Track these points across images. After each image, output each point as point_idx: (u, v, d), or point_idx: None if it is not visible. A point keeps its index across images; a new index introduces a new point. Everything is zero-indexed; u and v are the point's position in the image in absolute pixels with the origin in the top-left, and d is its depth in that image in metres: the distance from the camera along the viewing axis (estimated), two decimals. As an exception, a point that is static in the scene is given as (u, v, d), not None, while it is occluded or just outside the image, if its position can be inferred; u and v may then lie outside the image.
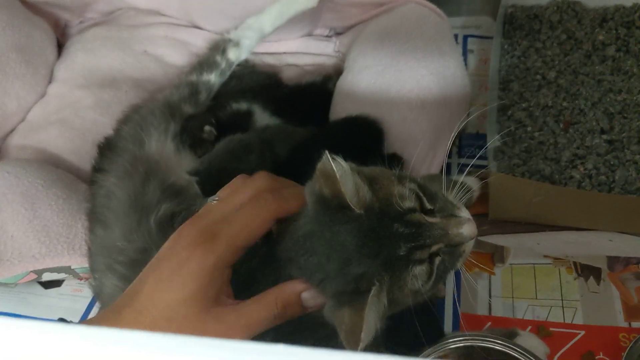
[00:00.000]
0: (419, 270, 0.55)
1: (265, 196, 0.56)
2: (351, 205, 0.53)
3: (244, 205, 0.55)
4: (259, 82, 0.98)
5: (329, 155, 0.54)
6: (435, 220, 0.56)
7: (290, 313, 0.55)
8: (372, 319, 0.51)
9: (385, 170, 0.61)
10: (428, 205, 0.58)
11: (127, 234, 0.69)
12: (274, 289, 0.55)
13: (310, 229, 0.56)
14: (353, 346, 0.50)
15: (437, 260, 0.56)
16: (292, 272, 0.57)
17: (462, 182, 0.66)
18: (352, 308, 0.51)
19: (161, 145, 0.80)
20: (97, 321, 0.55)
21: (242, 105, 0.92)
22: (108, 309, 0.54)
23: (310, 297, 0.55)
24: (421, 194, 0.58)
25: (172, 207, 0.69)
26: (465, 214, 0.59)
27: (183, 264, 0.51)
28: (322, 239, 0.55)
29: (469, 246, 0.59)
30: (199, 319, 0.51)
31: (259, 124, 0.89)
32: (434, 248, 0.56)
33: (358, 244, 0.54)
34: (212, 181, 0.74)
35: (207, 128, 0.84)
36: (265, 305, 0.53)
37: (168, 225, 0.66)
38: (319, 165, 0.55)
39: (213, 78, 0.93)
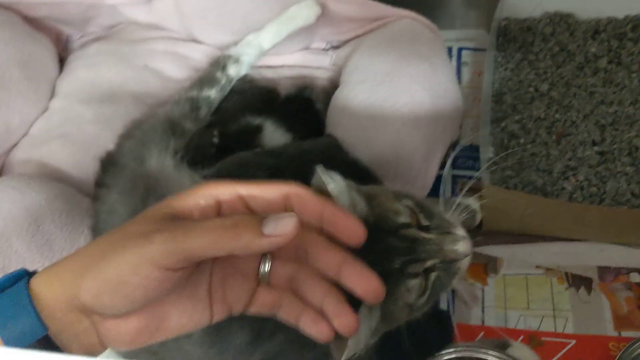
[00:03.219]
0: (413, 284, 0.55)
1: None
2: None
3: None
4: (260, 97, 1.00)
5: (321, 171, 0.54)
6: (430, 236, 0.57)
7: (247, 235, 0.43)
8: (362, 329, 0.51)
9: (384, 188, 0.62)
10: (424, 222, 0.59)
11: None
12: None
13: None
14: (338, 354, 0.49)
15: (433, 276, 0.57)
16: None
17: (464, 204, 0.67)
18: None
19: (161, 162, 0.81)
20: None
21: (255, 120, 0.94)
22: None
23: (273, 219, 0.43)
24: (417, 210, 0.59)
25: None
26: (461, 232, 0.60)
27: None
28: None
29: (464, 264, 0.60)
30: (148, 224, 0.44)
31: (267, 140, 0.91)
32: (429, 263, 0.56)
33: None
34: None
35: (214, 140, 0.86)
36: (219, 221, 0.44)
37: None
38: (313, 181, 0.56)
39: (213, 94, 0.95)
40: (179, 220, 0.45)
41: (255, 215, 0.46)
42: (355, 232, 0.48)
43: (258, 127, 0.92)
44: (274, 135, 0.92)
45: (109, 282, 0.43)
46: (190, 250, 0.42)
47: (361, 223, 0.48)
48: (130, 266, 0.42)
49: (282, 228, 0.43)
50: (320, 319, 0.48)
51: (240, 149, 0.85)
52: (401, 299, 0.56)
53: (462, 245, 0.57)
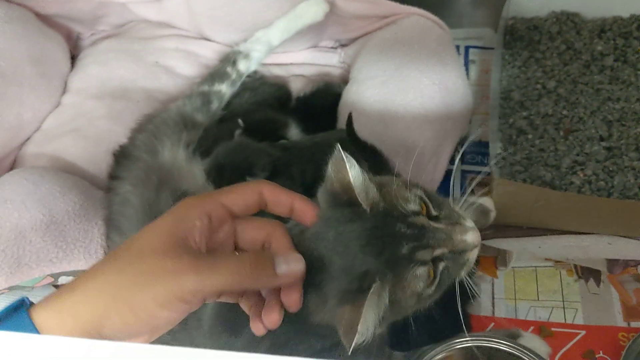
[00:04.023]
0: (421, 271, 0.56)
1: (258, 179, 0.57)
2: (359, 201, 0.55)
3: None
4: (271, 94, 1.01)
5: (341, 150, 0.55)
6: (439, 226, 0.58)
7: (265, 277, 0.51)
8: (370, 315, 0.51)
9: (396, 178, 0.63)
10: (433, 212, 0.59)
11: None
12: (253, 252, 0.54)
13: (316, 230, 0.57)
14: (349, 341, 0.50)
15: (441, 265, 0.57)
16: None
17: (478, 203, 0.67)
18: (352, 305, 0.52)
19: (174, 154, 0.83)
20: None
21: (278, 115, 0.95)
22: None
23: (283, 261, 0.52)
24: (427, 200, 0.59)
25: None
26: (470, 223, 0.60)
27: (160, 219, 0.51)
28: (326, 240, 0.56)
29: (472, 255, 0.60)
30: (173, 262, 0.47)
31: (290, 135, 0.92)
32: (438, 252, 0.57)
33: (362, 242, 0.55)
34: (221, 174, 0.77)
35: (237, 132, 0.87)
36: (240, 262, 0.50)
37: None
38: (331, 161, 0.57)
39: (224, 88, 0.96)
40: (197, 254, 0.49)
41: (265, 254, 0.53)
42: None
43: (284, 122, 0.93)
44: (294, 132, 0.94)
45: (139, 318, 0.46)
46: (216, 290, 0.48)
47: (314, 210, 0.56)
48: (159, 302, 0.46)
49: (294, 269, 0.52)
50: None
51: (263, 139, 0.87)
52: (409, 286, 0.56)
53: (471, 236, 0.58)
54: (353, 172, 0.55)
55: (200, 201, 0.52)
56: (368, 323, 0.51)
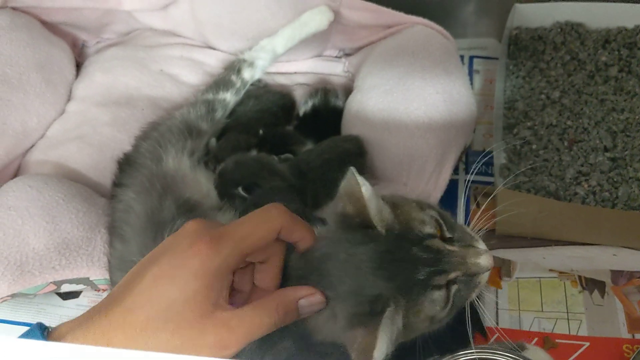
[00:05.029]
0: (437, 295, 0.56)
1: (272, 208, 0.56)
2: (374, 223, 0.55)
3: (252, 214, 0.56)
4: (275, 102, 1.01)
5: (355, 173, 0.56)
6: (454, 249, 0.57)
7: (289, 319, 0.54)
8: (385, 339, 0.51)
9: (406, 197, 0.63)
10: (447, 234, 0.59)
11: (143, 249, 0.70)
12: (275, 294, 0.55)
13: (325, 250, 0.57)
14: None
15: (454, 288, 0.57)
16: None
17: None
18: (365, 328, 0.52)
19: (178, 162, 0.82)
20: (79, 324, 0.51)
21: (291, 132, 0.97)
22: (94, 307, 0.51)
23: (307, 304, 0.55)
24: (441, 222, 0.59)
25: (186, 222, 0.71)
26: (482, 245, 0.60)
27: (186, 261, 0.50)
28: (336, 261, 0.56)
29: (484, 277, 0.60)
30: (199, 322, 0.49)
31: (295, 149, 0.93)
32: (452, 275, 0.57)
33: (374, 265, 0.55)
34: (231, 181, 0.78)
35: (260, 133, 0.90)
36: (267, 310, 0.52)
37: None
38: (344, 183, 0.57)
39: (229, 96, 0.96)
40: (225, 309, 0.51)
41: (289, 298, 0.54)
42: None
43: (295, 137, 0.95)
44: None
45: None
46: (251, 336, 0.51)
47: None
48: (184, 351, 0.48)
49: (315, 306, 0.55)
50: None
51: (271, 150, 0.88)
52: (423, 311, 0.56)
53: (484, 259, 0.58)
54: (367, 194, 0.55)
55: (225, 262, 0.51)
56: (383, 348, 0.51)
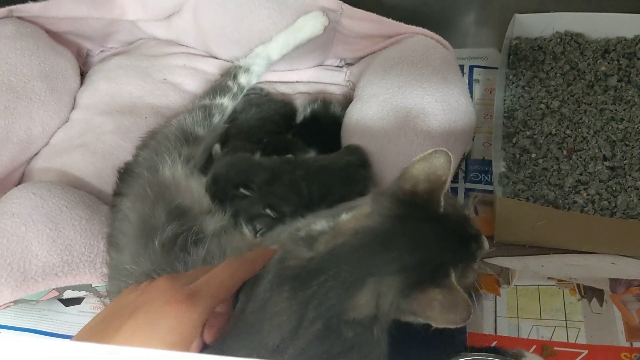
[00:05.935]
0: (477, 266, 0.64)
1: (233, 261, 0.60)
2: (441, 202, 0.62)
3: (218, 269, 0.58)
4: (276, 110, 1.02)
5: (448, 152, 0.61)
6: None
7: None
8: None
9: None
10: None
11: (135, 258, 0.71)
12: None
13: (387, 226, 0.61)
14: (462, 312, 0.56)
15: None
16: None
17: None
18: (441, 288, 0.57)
19: (173, 170, 0.83)
20: None
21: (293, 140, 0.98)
22: None
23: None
24: None
25: (176, 228, 0.71)
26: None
27: (164, 317, 0.52)
28: (398, 234, 0.60)
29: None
30: None
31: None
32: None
33: (440, 238, 0.61)
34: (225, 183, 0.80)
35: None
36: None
37: (171, 247, 0.69)
38: (424, 163, 0.62)
39: (226, 101, 0.97)
40: None
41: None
42: None
43: (297, 144, 0.95)
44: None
45: None
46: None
47: None
48: None
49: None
50: None
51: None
52: (468, 277, 0.63)
53: (486, 244, 0.67)
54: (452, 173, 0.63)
55: (200, 317, 0.53)
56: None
